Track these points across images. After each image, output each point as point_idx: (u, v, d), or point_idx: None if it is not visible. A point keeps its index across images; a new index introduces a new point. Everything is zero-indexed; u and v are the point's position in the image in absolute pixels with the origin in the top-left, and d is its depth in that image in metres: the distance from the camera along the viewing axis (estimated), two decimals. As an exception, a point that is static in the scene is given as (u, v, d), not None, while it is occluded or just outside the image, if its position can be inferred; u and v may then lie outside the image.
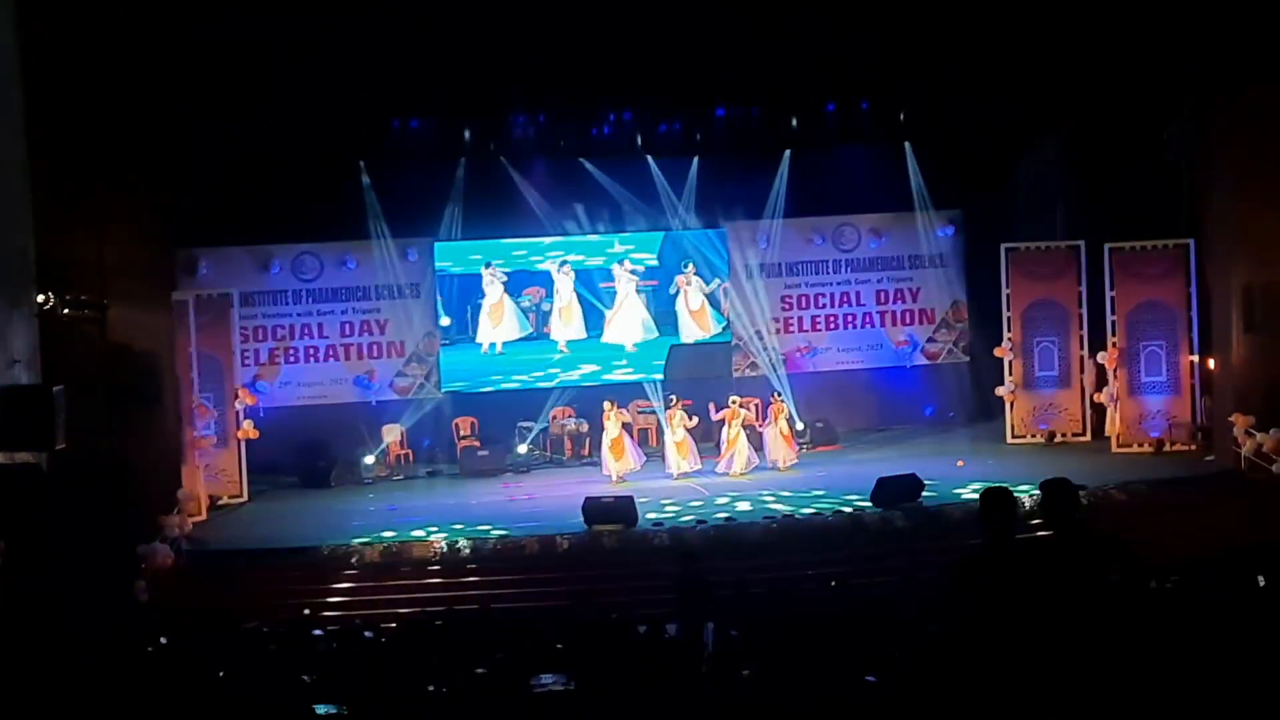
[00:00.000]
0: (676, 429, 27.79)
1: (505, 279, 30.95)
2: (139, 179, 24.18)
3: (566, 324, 31.19)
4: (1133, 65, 27.44)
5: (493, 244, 30.95)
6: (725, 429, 28.08)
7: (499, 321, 31.03)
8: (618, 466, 27.66)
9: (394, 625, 18.05)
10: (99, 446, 21.54)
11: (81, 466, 21.06)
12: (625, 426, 28.02)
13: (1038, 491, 9.62)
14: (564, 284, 31.10)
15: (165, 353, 24.64)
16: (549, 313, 31.23)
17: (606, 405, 28.07)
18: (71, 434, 19.07)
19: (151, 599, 21.19)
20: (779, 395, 28.91)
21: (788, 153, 31.15)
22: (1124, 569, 10.05)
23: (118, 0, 23.18)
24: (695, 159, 31.05)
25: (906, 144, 31.33)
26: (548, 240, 31.12)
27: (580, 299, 31.23)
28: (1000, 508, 9.49)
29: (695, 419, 28.01)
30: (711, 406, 28.15)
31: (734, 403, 28.29)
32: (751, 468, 27.72)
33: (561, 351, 31.27)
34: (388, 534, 23.98)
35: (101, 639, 16.02)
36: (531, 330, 31.32)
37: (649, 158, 30.82)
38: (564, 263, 31.07)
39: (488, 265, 30.91)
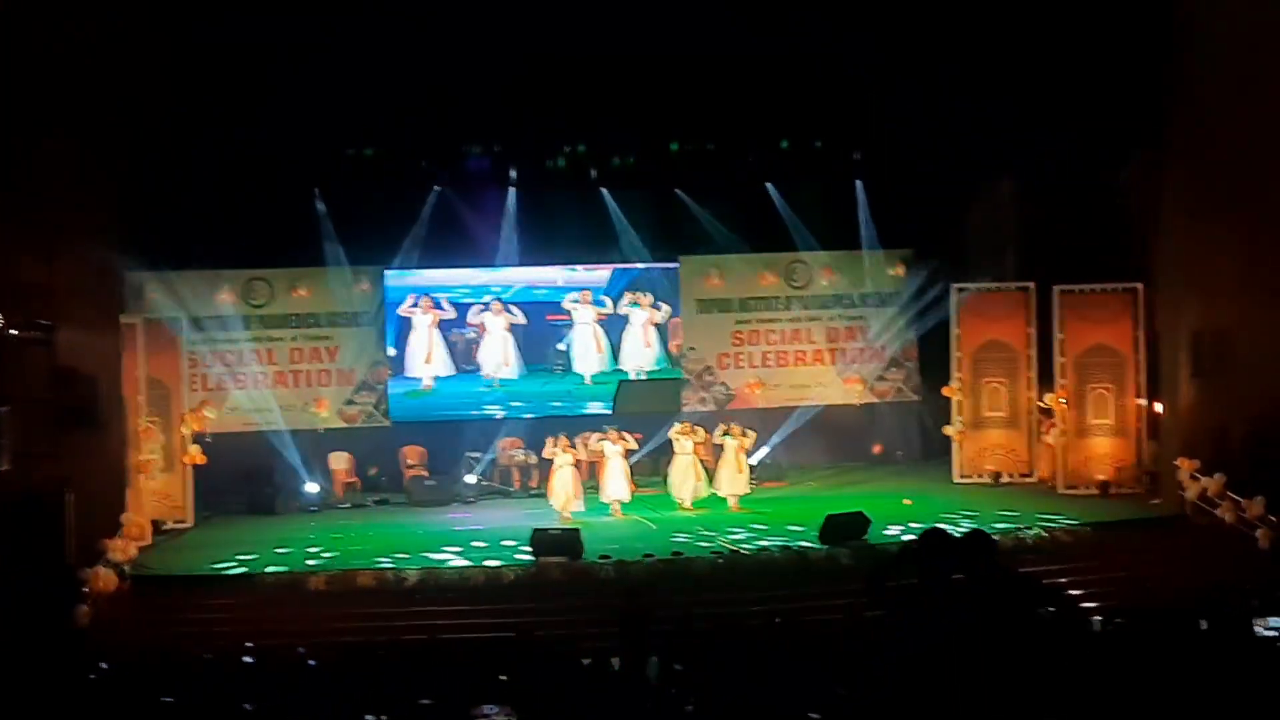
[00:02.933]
0: (612, 457, 27.53)
1: (433, 315, 30.99)
2: (89, 202, 24.09)
3: (498, 360, 31.27)
4: (1086, 110, 27.65)
5: (442, 274, 30.95)
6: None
7: (427, 357, 31.08)
8: (563, 501, 27.21)
9: (337, 653, 17.96)
10: (43, 469, 21.44)
11: (25, 488, 20.96)
12: (576, 462, 27.74)
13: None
14: (496, 322, 31.15)
15: (112, 376, 24.51)
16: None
17: (550, 440, 27.76)
18: (16, 456, 18.98)
19: (93, 623, 21.02)
20: (731, 423, 28.39)
21: (770, 186, 31.23)
22: (1050, 607, 10.07)
23: (66, 23, 23.12)
24: (679, 192, 31.18)
25: (858, 182, 31.42)
26: (497, 272, 31.16)
27: (516, 333, 31.33)
28: (939, 549, 9.47)
29: (631, 438, 28.05)
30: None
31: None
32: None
33: (493, 388, 31.33)
34: (333, 561, 23.90)
35: (42, 663, 15.90)
36: (471, 364, 31.41)
37: (603, 190, 30.92)
38: (499, 299, 31.14)
39: (422, 295, 30.95)
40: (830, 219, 31.56)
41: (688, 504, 27.53)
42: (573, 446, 27.59)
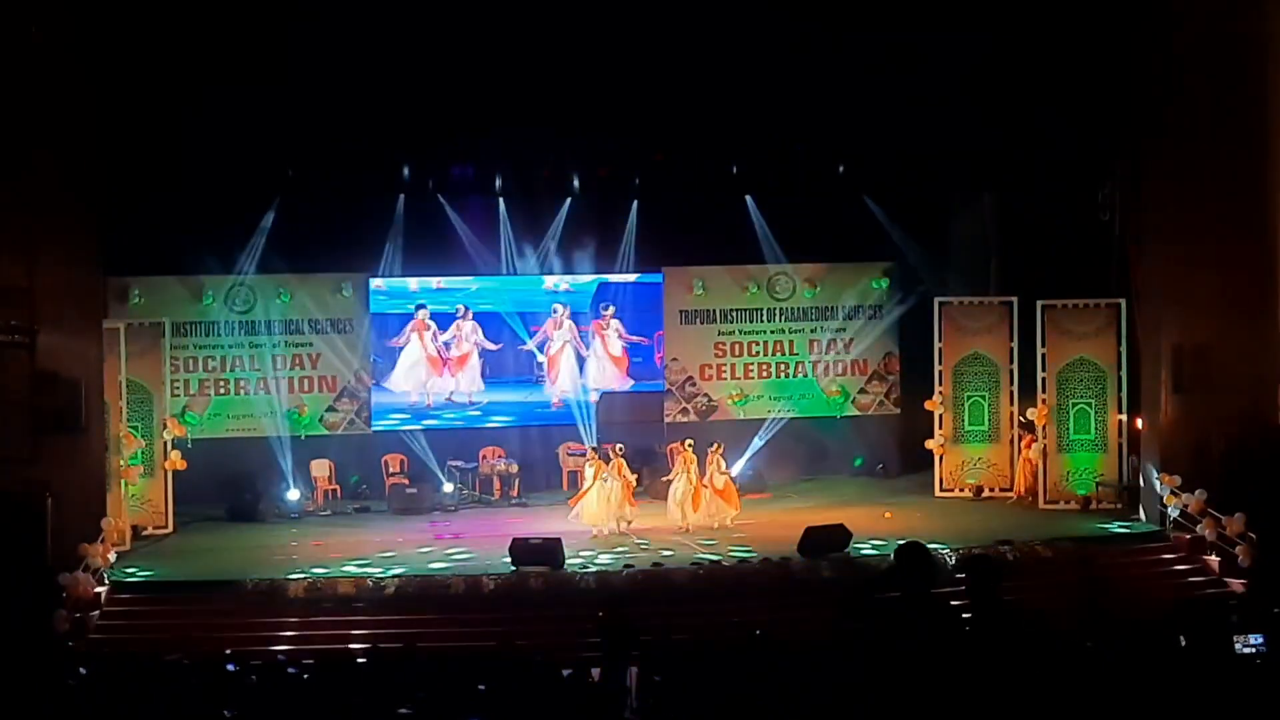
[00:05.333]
0: (609, 481, 26.49)
1: (432, 329, 31.13)
2: (71, 205, 24.08)
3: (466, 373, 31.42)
4: (1067, 126, 27.77)
5: (424, 282, 30.97)
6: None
7: (418, 373, 31.21)
8: (595, 515, 26.42)
9: (317, 661, 17.93)
10: (23, 473, 21.38)
11: (4, 493, 20.90)
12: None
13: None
14: (466, 331, 31.29)
15: (94, 380, 24.42)
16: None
17: (590, 453, 27.21)
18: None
19: (72, 629, 20.97)
20: (717, 443, 27.69)
21: (749, 198, 31.29)
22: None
23: (45, 28, 23.09)
24: (634, 203, 31.18)
25: (866, 198, 31.38)
26: (480, 280, 31.20)
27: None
28: (917, 563, 9.40)
29: (636, 475, 27.21)
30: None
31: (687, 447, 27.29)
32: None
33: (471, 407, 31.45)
34: (315, 569, 23.87)
35: (21, 668, 15.85)
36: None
37: (568, 198, 30.88)
38: (468, 308, 31.28)
39: (420, 307, 31.05)
40: (813, 230, 31.55)
41: (689, 525, 26.68)
42: (603, 462, 26.75)
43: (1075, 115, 27.51)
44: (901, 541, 9.69)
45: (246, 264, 30.02)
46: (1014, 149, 28.74)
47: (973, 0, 27.12)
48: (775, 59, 27.45)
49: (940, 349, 29.98)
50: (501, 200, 30.77)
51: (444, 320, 31.26)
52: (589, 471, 26.82)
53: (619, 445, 27.32)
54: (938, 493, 29.82)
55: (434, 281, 31.22)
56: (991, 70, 27.40)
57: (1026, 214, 30.12)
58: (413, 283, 31.23)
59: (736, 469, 29.37)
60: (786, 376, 32.50)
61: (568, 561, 23.61)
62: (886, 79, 27.67)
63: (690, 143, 29.93)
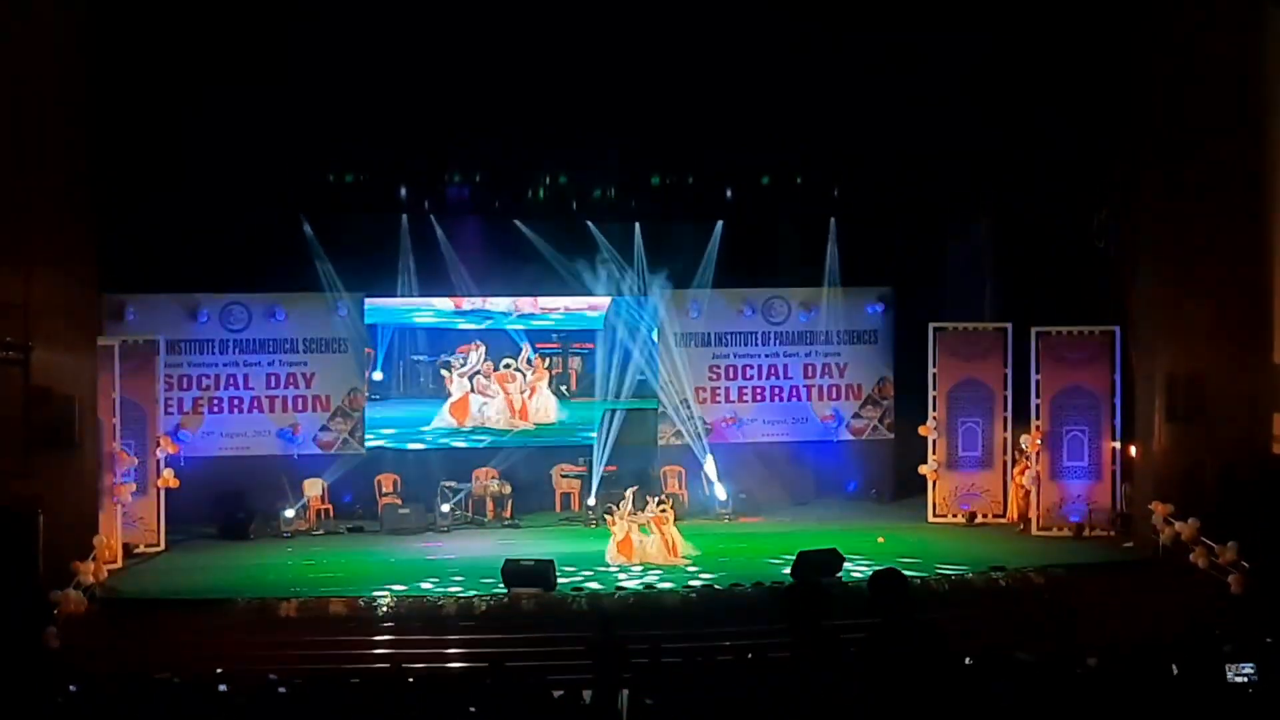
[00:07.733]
0: (619, 527, 25.98)
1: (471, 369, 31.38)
2: (67, 222, 24.09)
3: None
4: (1064, 152, 27.83)
5: (424, 301, 31.00)
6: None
7: (464, 417, 31.38)
8: (627, 558, 25.76)
9: (308, 681, 17.88)
10: (16, 489, 21.36)
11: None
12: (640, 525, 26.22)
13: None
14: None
15: (88, 397, 24.42)
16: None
17: (616, 512, 26.43)
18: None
19: (63, 646, 20.92)
20: (664, 501, 27.13)
21: (719, 223, 31.31)
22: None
23: (44, 44, 23.13)
24: (637, 225, 31.19)
25: (831, 219, 31.49)
26: (478, 300, 31.22)
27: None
28: (892, 590, 9.35)
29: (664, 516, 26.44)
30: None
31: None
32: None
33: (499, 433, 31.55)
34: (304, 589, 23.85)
35: (11, 685, 15.83)
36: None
37: (589, 222, 30.86)
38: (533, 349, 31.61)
39: (454, 358, 31.36)
40: (809, 255, 31.60)
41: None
42: (636, 513, 26.31)
43: (1075, 117, 27.57)
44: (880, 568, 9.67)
45: (258, 281, 30.29)
46: (1013, 150, 28.73)
47: (973, 0, 27.23)
48: (772, 66, 27.50)
49: (934, 374, 29.96)
50: (492, 221, 30.80)
51: (452, 338, 31.48)
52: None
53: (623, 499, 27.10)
54: (931, 518, 29.79)
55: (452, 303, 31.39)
56: (991, 71, 27.46)
57: (1021, 240, 30.16)
58: (442, 303, 31.39)
59: (720, 493, 29.57)
60: (780, 400, 32.50)
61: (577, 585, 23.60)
62: (885, 80, 27.69)
63: (689, 164, 30.03)
